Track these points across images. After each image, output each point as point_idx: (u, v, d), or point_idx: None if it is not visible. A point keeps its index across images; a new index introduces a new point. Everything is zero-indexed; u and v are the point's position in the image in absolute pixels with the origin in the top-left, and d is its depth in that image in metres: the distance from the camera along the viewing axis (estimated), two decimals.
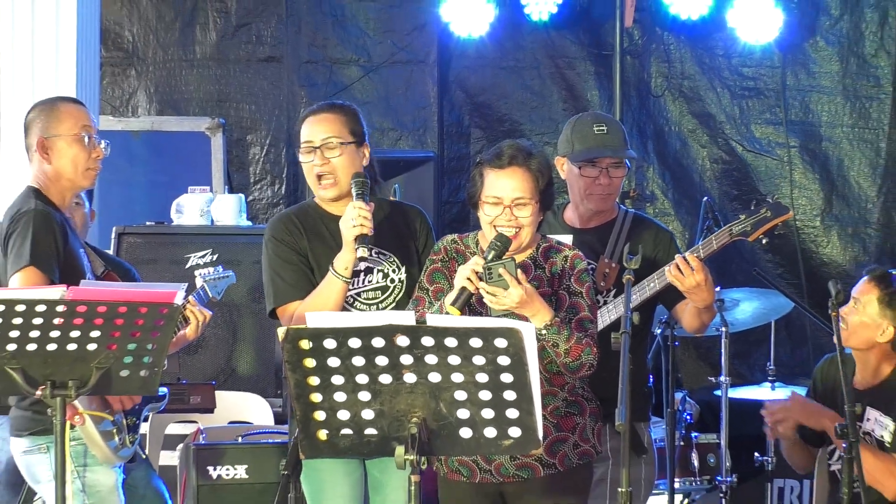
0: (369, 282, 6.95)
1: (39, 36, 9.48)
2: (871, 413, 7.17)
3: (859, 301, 7.35)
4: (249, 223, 9.33)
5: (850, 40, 10.95)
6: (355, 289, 6.89)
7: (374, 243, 6.94)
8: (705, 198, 10.30)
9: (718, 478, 8.90)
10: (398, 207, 7.19)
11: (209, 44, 10.91)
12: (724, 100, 10.82)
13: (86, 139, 7.02)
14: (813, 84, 10.88)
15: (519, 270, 6.30)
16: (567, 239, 7.18)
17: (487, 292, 6.28)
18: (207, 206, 9.21)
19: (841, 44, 11.00)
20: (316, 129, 7.48)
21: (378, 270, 6.99)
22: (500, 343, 5.43)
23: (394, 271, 7.39)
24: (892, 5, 11.02)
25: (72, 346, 5.96)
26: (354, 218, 6.67)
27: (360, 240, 6.67)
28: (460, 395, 5.45)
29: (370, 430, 5.53)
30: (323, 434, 5.60)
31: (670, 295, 7.05)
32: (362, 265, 6.98)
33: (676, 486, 8.47)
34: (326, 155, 7.43)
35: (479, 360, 5.40)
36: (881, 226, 10.55)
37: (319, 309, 6.74)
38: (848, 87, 11.02)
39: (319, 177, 7.39)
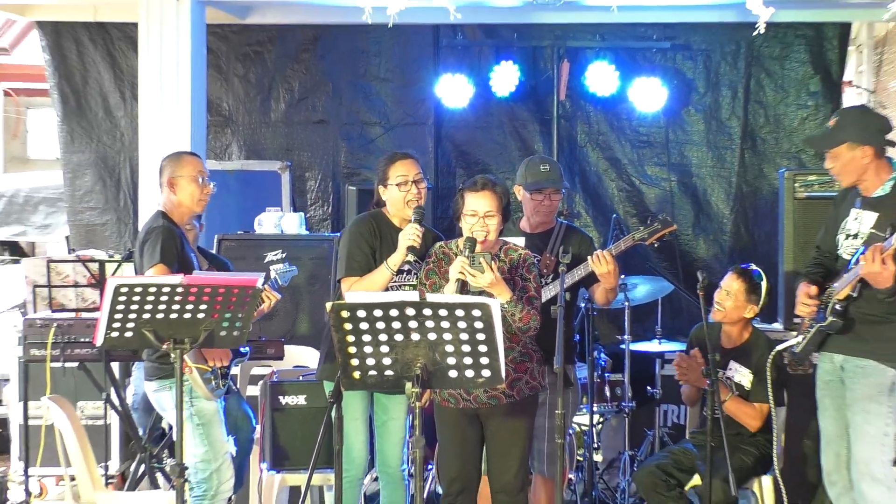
0: (406, 280, 6.95)
1: (167, 107, 9.40)
2: (733, 364, 7.31)
3: (731, 291, 7.42)
4: (307, 232, 9.32)
5: (712, 109, 10.90)
6: (397, 282, 6.88)
7: (418, 255, 6.76)
8: (614, 215, 10.33)
9: (623, 403, 8.87)
10: (435, 236, 7.16)
11: (280, 111, 10.87)
12: (626, 149, 10.82)
13: (200, 180, 7.12)
14: (686, 139, 10.85)
15: (493, 262, 6.29)
16: (520, 241, 7.29)
17: (470, 273, 6.26)
18: (279, 220, 9.26)
19: (706, 111, 10.93)
20: (411, 170, 7.19)
21: (414, 274, 6.97)
22: (476, 313, 5.71)
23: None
24: (741, 85, 10.91)
25: (187, 315, 6.20)
26: (411, 234, 6.78)
27: (411, 249, 6.72)
28: (449, 349, 5.73)
29: (388, 372, 5.84)
30: (357, 374, 5.94)
31: (590, 279, 7.10)
32: (406, 266, 6.92)
33: (595, 409, 8.44)
34: (420, 188, 7.24)
35: (461, 324, 5.66)
36: (732, 234, 10.55)
37: (369, 288, 6.89)
38: (710, 140, 10.94)
39: (408, 202, 7.21)
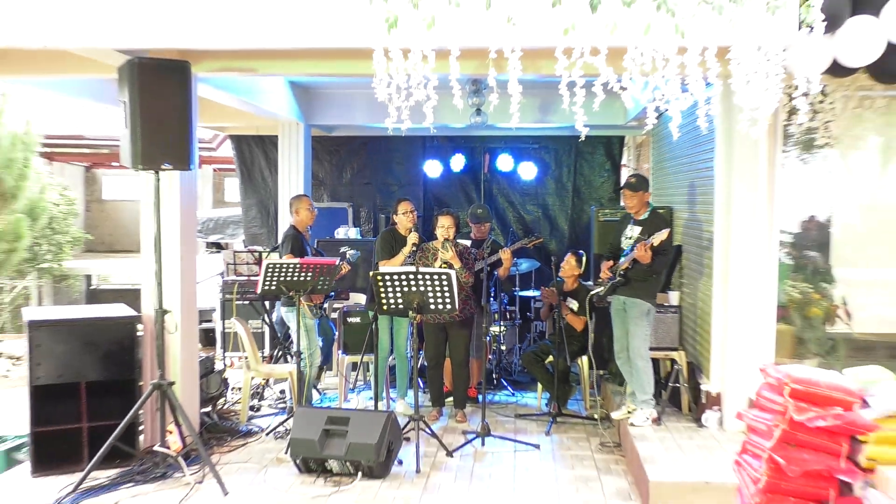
0: (410, 261, 6.74)
1: (292, 177, 9.28)
2: (569, 299, 7.13)
3: (569, 262, 7.31)
4: (360, 237, 9.17)
5: (558, 177, 10.79)
6: (406, 263, 6.75)
7: (414, 248, 6.74)
8: (511, 230, 10.22)
9: (515, 321, 8.76)
10: (422, 239, 7.18)
11: (347, 178, 10.79)
12: (517, 197, 10.73)
13: (309, 209, 7.05)
14: (546, 192, 10.72)
15: (452, 248, 6.24)
16: (468, 242, 7.17)
17: (441, 253, 6.23)
18: (346, 231, 9.15)
19: (555, 179, 10.83)
20: (409, 207, 6.85)
21: (413, 257, 6.88)
22: (444, 277, 5.49)
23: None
24: (572, 165, 10.77)
25: (301, 278, 6.05)
26: (412, 239, 6.61)
27: (413, 246, 6.58)
28: (430, 294, 5.60)
29: (400, 305, 5.62)
30: (384, 307, 5.80)
31: (499, 262, 6.95)
32: (410, 254, 6.76)
33: (501, 324, 8.36)
34: (413, 216, 6.98)
35: (436, 282, 5.45)
36: (569, 238, 10.37)
37: (391, 264, 6.66)
38: (557, 193, 10.81)
39: (408, 223, 6.90)
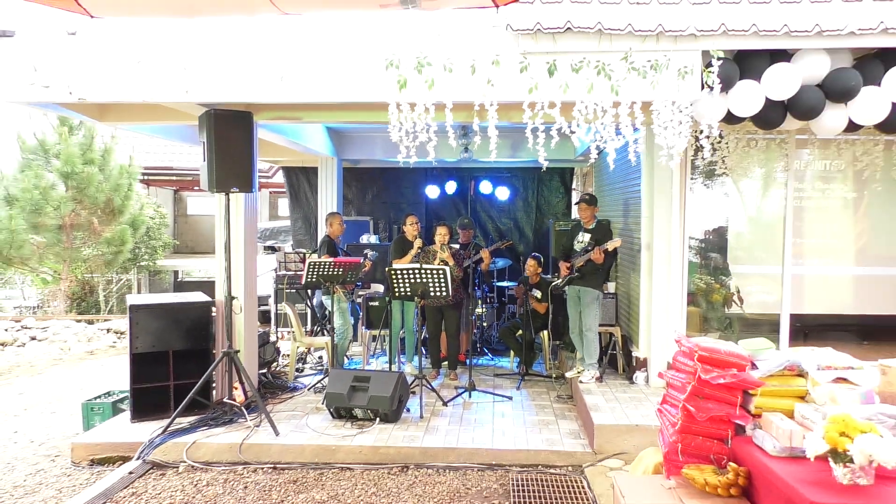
0: (416, 260, 6.72)
1: (333, 197, 9.26)
2: (534, 290, 7.10)
3: (531, 264, 7.30)
4: (378, 242, 9.14)
5: (525, 198, 10.80)
6: (414, 261, 6.75)
7: (419, 251, 6.67)
8: (490, 237, 10.18)
9: (494, 304, 8.73)
10: (425, 244, 7.23)
11: (369, 198, 10.80)
12: (494, 213, 10.68)
13: (340, 222, 7.02)
14: (517, 209, 10.70)
15: (448, 250, 6.22)
16: (457, 246, 7.12)
17: (439, 254, 6.20)
18: (368, 238, 9.11)
19: (523, 199, 10.80)
20: (414, 220, 6.81)
21: (419, 258, 6.86)
22: (442, 272, 5.43)
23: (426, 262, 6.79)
24: (535, 189, 10.80)
25: (334, 273, 6.02)
26: (417, 244, 6.57)
27: (418, 249, 6.56)
28: (430, 284, 5.55)
29: (408, 292, 5.53)
30: (397, 293, 5.67)
31: (479, 262, 6.92)
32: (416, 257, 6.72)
33: (483, 307, 8.32)
34: (417, 226, 6.90)
35: (435, 275, 5.42)
36: (533, 244, 10.35)
37: (402, 262, 6.52)
38: (525, 210, 10.81)
39: (414, 232, 6.90)
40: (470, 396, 6.10)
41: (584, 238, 6.29)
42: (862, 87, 4.84)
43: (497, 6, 3.77)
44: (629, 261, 6.78)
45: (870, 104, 4.82)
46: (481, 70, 4.86)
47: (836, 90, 4.86)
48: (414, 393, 5.89)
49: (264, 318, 8.99)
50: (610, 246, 5.95)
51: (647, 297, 6.05)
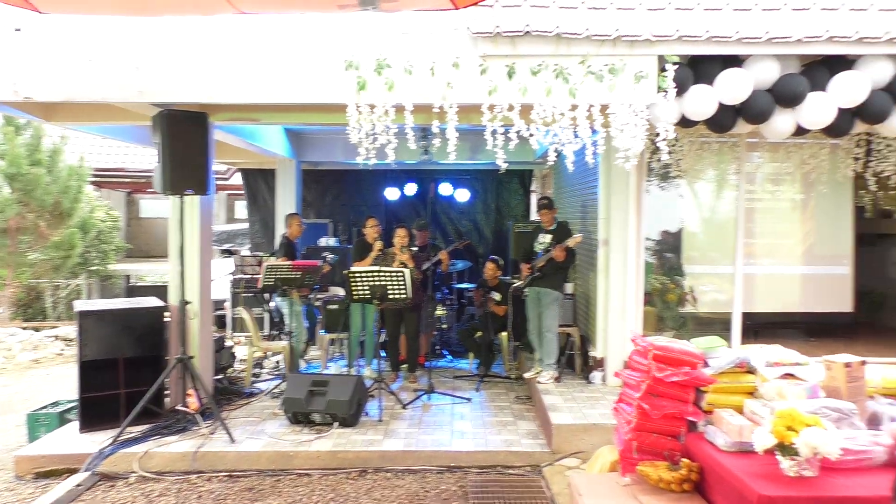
0: (376, 264, 6.66)
1: (286, 200, 9.20)
2: (493, 293, 7.16)
3: (489, 267, 7.35)
4: (337, 245, 9.06)
5: (485, 200, 10.85)
6: (374, 264, 6.69)
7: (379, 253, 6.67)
8: (450, 237, 10.20)
9: (454, 306, 8.79)
10: (384, 246, 7.16)
11: (328, 200, 10.72)
12: (454, 214, 10.70)
13: (298, 223, 6.96)
14: (476, 211, 10.73)
15: (407, 252, 6.21)
16: (416, 249, 7.07)
17: (398, 256, 6.19)
18: (327, 241, 9.04)
19: (483, 201, 10.82)
20: (374, 223, 6.74)
21: (379, 260, 6.81)
22: (401, 274, 5.44)
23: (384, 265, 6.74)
24: (495, 191, 10.86)
25: (292, 275, 5.92)
26: (377, 246, 6.51)
27: (378, 251, 6.51)
28: (390, 286, 5.51)
29: (367, 295, 5.50)
30: (356, 296, 5.63)
31: (438, 263, 6.91)
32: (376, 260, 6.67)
33: (442, 308, 8.27)
34: (377, 229, 6.85)
35: (395, 277, 5.39)
36: (491, 246, 10.42)
37: (362, 265, 6.42)
38: (485, 211, 10.89)
39: (374, 234, 6.89)
40: (429, 399, 6.11)
41: (545, 239, 6.36)
42: (809, 92, 5.02)
43: (457, 8, 3.80)
44: (587, 262, 6.88)
45: (817, 109, 4.99)
46: (441, 72, 4.89)
47: (785, 95, 5.03)
48: (373, 396, 5.87)
49: (220, 322, 8.86)
50: (571, 242, 6.02)
51: (604, 297, 6.14)
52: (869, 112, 5.06)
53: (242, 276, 8.47)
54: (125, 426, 5.00)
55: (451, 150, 4.76)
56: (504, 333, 7.14)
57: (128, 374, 5.31)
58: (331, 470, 4.74)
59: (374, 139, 4.75)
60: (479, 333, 7.21)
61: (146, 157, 13.75)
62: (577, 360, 6.64)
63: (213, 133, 5.81)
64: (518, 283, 6.58)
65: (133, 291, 11.99)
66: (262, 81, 4.97)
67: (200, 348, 5.74)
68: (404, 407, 5.88)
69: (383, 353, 7.16)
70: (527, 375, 6.51)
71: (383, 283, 5.73)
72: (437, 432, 5.26)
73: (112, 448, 4.84)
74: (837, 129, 5.14)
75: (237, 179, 12.52)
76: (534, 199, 10.82)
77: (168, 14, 4.59)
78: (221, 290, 8.65)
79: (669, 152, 5.08)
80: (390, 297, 5.78)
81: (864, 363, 3.11)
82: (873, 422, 2.99)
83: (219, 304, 8.66)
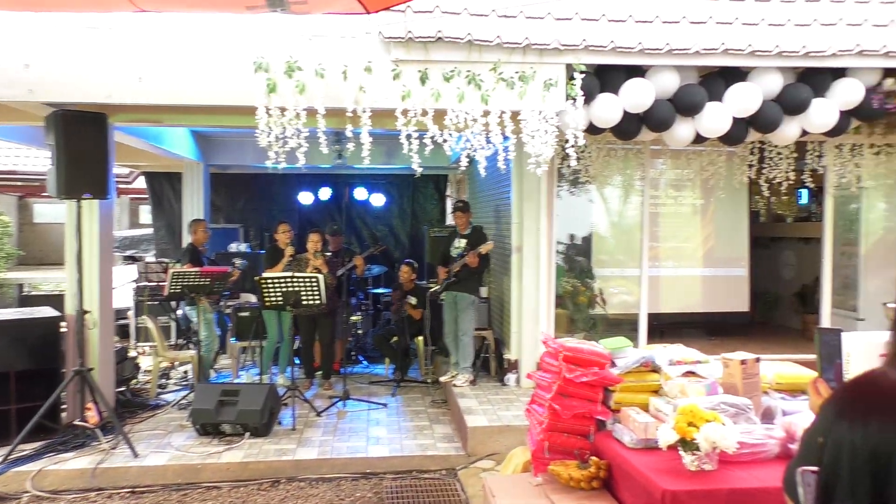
0: (289, 269, 6.50)
1: (194, 204, 8.90)
2: (409, 297, 7.13)
3: (405, 271, 7.33)
4: (248, 251, 8.83)
5: (401, 204, 10.85)
6: (286, 271, 6.52)
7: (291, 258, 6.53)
8: (365, 242, 10.13)
9: (369, 311, 8.71)
10: (297, 251, 7.01)
11: (240, 205, 10.41)
12: (370, 220, 10.60)
13: (205, 229, 6.73)
14: (392, 216, 10.69)
15: (321, 258, 6.13)
16: (329, 254, 6.98)
17: (312, 261, 6.09)
18: (237, 247, 8.78)
19: (399, 206, 10.84)
20: (286, 228, 6.64)
21: (292, 265, 6.65)
22: (314, 280, 5.39)
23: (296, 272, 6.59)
24: (411, 196, 10.85)
25: (200, 282, 5.73)
26: (289, 251, 6.38)
27: (290, 256, 6.37)
28: (303, 292, 5.41)
29: (280, 302, 5.38)
30: (268, 303, 5.48)
31: (353, 268, 6.85)
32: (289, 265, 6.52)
33: (358, 314, 8.19)
34: (289, 234, 6.74)
35: (308, 283, 5.29)
36: (407, 250, 10.44)
37: (274, 271, 6.23)
38: (401, 216, 10.88)
39: (285, 240, 6.74)
40: (344, 405, 6.03)
41: (460, 244, 6.42)
42: (707, 102, 5.30)
43: (368, 12, 3.77)
44: (501, 266, 6.98)
45: (714, 118, 5.28)
46: (354, 76, 4.85)
47: (684, 104, 5.29)
48: (286, 405, 5.73)
49: (123, 332, 8.46)
50: (483, 249, 6.12)
51: (517, 301, 6.24)
52: (761, 121, 5.39)
53: (147, 283, 8.11)
54: (17, 443, 4.69)
55: (365, 154, 4.73)
56: (420, 338, 7.14)
57: (20, 388, 4.99)
58: (242, 482, 4.60)
59: (285, 143, 4.66)
60: (395, 338, 7.18)
61: (40, 160, 12.99)
62: (492, 363, 6.71)
63: (113, 135, 5.54)
64: (435, 288, 6.60)
65: (26, 301, 11.31)
66: (165, 82, 4.79)
67: (101, 359, 5.46)
68: (319, 414, 5.78)
69: (297, 361, 7.02)
70: (443, 379, 6.53)
71: (296, 289, 5.62)
72: (352, 439, 5.20)
73: (2, 467, 4.54)
74: (733, 137, 5.45)
75: (141, 183, 11.99)
76: (450, 203, 10.89)
77: (61, 9, 4.34)
78: (124, 298, 8.25)
79: (579, 158, 5.23)
80: (304, 303, 5.68)
81: (758, 360, 3.28)
82: (767, 416, 3.14)
83: (121, 313, 8.26)
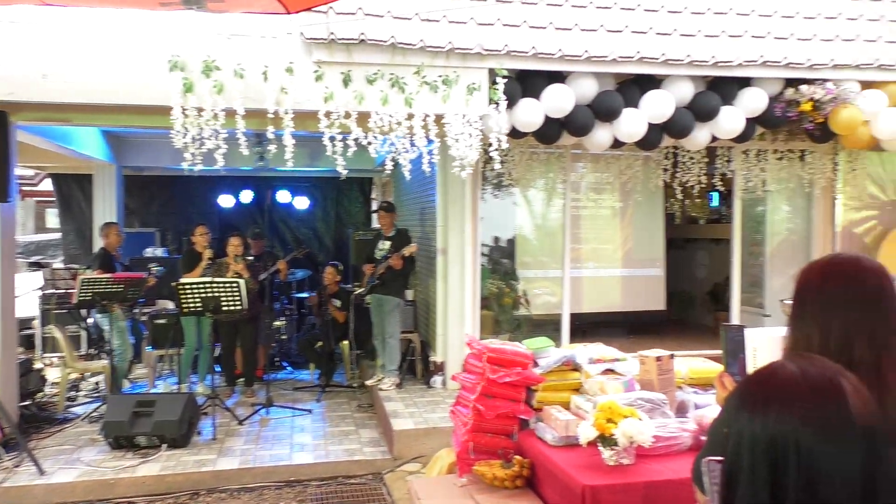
0: (207, 274, 6.32)
1: (106, 208, 8.53)
2: (334, 300, 7.06)
3: (329, 272, 7.26)
4: (166, 255, 8.54)
5: (325, 207, 10.75)
6: (205, 276, 6.32)
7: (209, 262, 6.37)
8: (289, 245, 9.96)
9: (294, 316, 8.56)
10: (217, 255, 6.77)
11: (155, 209, 10.07)
12: (292, 223, 10.47)
13: (117, 233, 6.45)
14: (316, 219, 10.57)
15: (242, 262, 5.99)
16: (251, 258, 6.83)
17: (233, 266, 5.95)
18: (153, 251, 8.48)
19: (323, 209, 10.71)
20: (204, 231, 6.47)
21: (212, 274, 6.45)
22: (235, 285, 5.24)
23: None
24: (335, 197, 10.73)
25: (113, 288, 5.48)
26: (206, 255, 6.21)
27: (209, 260, 6.19)
28: (223, 297, 5.28)
29: (200, 307, 5.20)
30: (185, 309, 5.32)
31: (276, 272, 6.73)
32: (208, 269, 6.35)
33: (281, 319, 8.04)
34: (207, 238, 6.56)
35: (227, 288, 5.16)
36: (332, 252, 10.35)
37: (192, 276, 6.09)
38: (325, 219, 10.73)
39: (204, 247, 6.55)
40: (268, 413, 5.90)
41: (384, 246, 6.40)
42: (624, 108, 5.49)
43: (289, 12, 3.72)
44: (427, 268, 7.00)
45: (630, 123, 5.47)
46: (275, 77, 4.78)
47: (603, 110, 5.46)
48: (207, 414, 5.55)
49: (28, 343, 8.01)
50: (406, 251, 6.12)
51: (442, 302, 6.27)
52: (674, 127, 5.63)
53: (54, 290, 7.71)
54: None
55: (288, 156, 4.67)
56: (345, 342, 7.08)
57: None
58: (159, 495, 4.44)
59: (202, 144, 4.54)
60: (319, 343, 7.09)
61: None
62: (418, 366, 6.72)
63: (16, 134, 5.24)
64: (359, 291, 6.56)
65: None
66: (73, 80, 4.58)
67: (2, 372, 5.16)
68: (241, 423, 5.63)
69: (217, 368, 6.84)
70: (368, 383, 6.50)
71: (216, 294, 5.47)
72: (275, 447, 5.10)
73: None
74: (648, 142, 5.67)
75: (48, 185, 11.39)
76: (375, 206, 10.85)
77: None
78: (29, 306, 7.82)
79: (503, 162, 5.31)
80: (224, 308, 5.53)
81: (672, 356, 3.41)
82: (681, 410, 3.27)
83: (26, 323, 7.82)
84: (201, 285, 5.48)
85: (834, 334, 1.48)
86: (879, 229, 6.61)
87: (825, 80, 5.69)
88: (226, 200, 9.96)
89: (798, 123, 5.82)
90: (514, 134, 5.40)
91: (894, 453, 1.05)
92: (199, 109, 4.55)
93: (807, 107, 5.67)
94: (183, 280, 5.70)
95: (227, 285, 5.50)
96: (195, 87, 4.58)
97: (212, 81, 4.59)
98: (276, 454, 4.95)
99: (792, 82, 5.76)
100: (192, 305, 5.48)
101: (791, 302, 1.53)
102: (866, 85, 5.81)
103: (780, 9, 5.82)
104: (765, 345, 2.66)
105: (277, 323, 7.99)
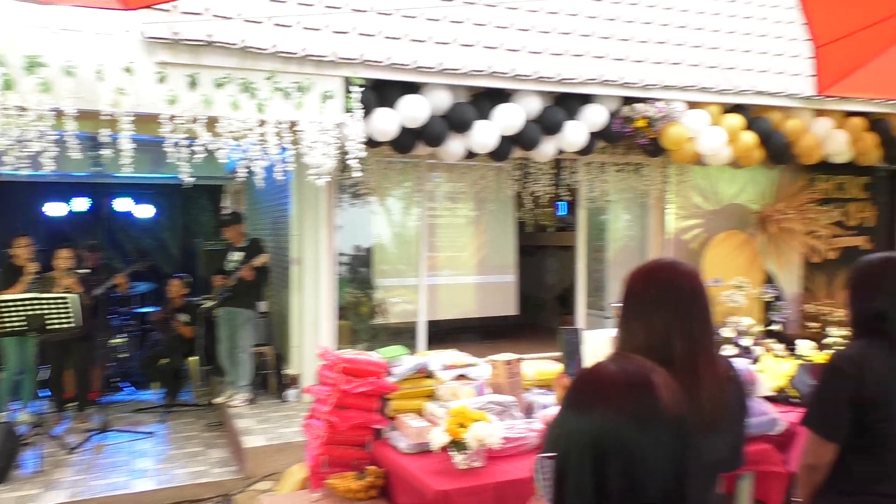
0: (32, 290, 5.73)
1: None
2: (180, 314, 6.71)
3: (175, 285, 6.89)
4: None
5: (177, 217, 10.15)
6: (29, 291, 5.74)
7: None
8: (129, 258, 9.35)
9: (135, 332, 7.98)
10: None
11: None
12: (134, 232, 9.84)
13: None
14: (166, 228, 10.00)
15: (73, 276, 5.51)
16: (87, 271, 6.34)
17: (63, 280, 5.51)
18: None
19: (174, 218, 10.18)
20: (28, 247, 5.88)
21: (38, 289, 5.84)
22: (65, 301, 4.87)
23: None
24: (181, 206, 10.19)
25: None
26: (30, 269, 5.67)
27: (32, 274, 5.64)
28: (48, 315, 4.81)
29: (23, 327, 4.74)
30: (7, 329, 4.81)
31: (114, 287, 6.29)
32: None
33: (123, 336, 7.51)
34: (28, 255, 5.98)
35: (54, 304, 4.79)
36: (181, 264, 9.80)
37: (12, 293, 5.41)
38: (175, 235, 10.17)
39: (27, 260, 5.86)
40: (104, 438, 5.50)
41: (236, 256, 6.20)
42: (476, 120, 5.68)
43: (127, 8, 3.51)
44: (281, 279, 6.83)
45: (483, 135, 5.67)
46: (111, 77, 4.49)
47: (456, 121, 5.62)
48: (30, 444, 5.08)
49: None
50: (257, 262, 5.96)
51: (297, 313, 6.16)
52: (524, 139, 5.90)
53: None
54: None
55: (126, 162, 4.39)
56: (194, 358, 6.75)
57: None
58: None
59: (26, 146, 4.16)
60: (164, 360, 6.71)
61: None
62: (271, 380, 6.53)
63: None
64: (208, 304, 6.28)
65: None
66: None
67: None
68: (71, 451, 5.20)
69: (45, 393, 6.26)
70: (217, 400, 6.24)
71: (41, 311, 5.02)
72: (112, 475, 4.77)
73: None
74: (500, 153, 5.91)
75: None
76: (224, 213, 10.46)
77: None
78: None
79: (360, 170, 5.31)
80: (50, 327, 5.08)
81: (520, 360, 3.56)
82: (529, 411, 3.42)
83: None
84: (24, 302, 5.00)
85: (655, 333, 1.64)
86: (704, 236, 7.25)
87: (656, 100, 6.20)
88: (56, 208, 9.17)
89: (634, 138, 6.29)
90: (371, 143, 5.42)
91: (703, 439, 1.17)
92: (22, 108, 4.18)
93: (641, 123, 6.15)
94: (1, 297, 5.17)
95: (55, 301, 5.07)
96: (16, 83, 4.20)
97: (37, 79, 4.24)
98: (112, 483, 4.62)
99: (628, 101, 6.23)
100: (12, 324, 5.00)
101: (620, 305, 1.67)
102: (692, 105, 6.40)
103: (616, 32, 6.30)
104: (603, 345, 2.86)
105: (116, 340, 7.46)
